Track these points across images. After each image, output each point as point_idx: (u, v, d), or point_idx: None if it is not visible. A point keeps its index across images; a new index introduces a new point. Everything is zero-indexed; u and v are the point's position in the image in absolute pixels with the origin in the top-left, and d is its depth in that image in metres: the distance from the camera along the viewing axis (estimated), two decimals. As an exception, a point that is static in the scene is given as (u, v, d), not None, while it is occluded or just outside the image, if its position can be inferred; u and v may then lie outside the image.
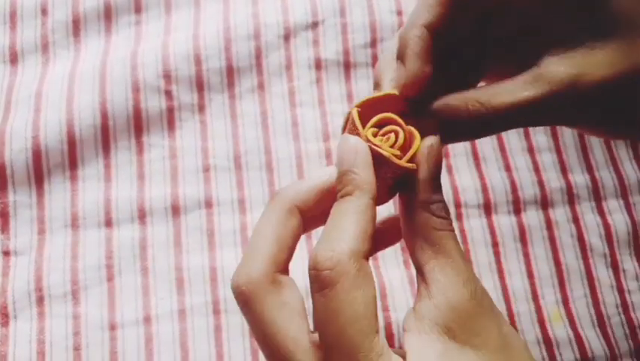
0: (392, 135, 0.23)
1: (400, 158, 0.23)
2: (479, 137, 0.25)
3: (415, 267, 0.23)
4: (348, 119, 0.24)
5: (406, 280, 0.39)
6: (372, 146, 0.22)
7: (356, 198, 0.22)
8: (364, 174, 0.22)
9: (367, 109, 0.23)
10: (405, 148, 0.23)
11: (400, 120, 0.23)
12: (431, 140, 0.23)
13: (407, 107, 0.24)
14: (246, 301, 0.22)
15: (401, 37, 0.25)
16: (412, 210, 0.23)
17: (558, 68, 0.23)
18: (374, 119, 0.23)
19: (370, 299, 0.21)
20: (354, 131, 0.23)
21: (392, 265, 0.39)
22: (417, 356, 0.21)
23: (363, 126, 0.23)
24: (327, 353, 0.21)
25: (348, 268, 0.21)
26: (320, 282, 0.21)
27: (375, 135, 0.23)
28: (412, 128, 0.24)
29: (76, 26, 0.43)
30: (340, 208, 0.22)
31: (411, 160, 0.23)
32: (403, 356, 0.22)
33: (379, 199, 0.23)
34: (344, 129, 0.24)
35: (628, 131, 0.26)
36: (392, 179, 0.23)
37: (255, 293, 0.22)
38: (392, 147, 0.23)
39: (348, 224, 0.22)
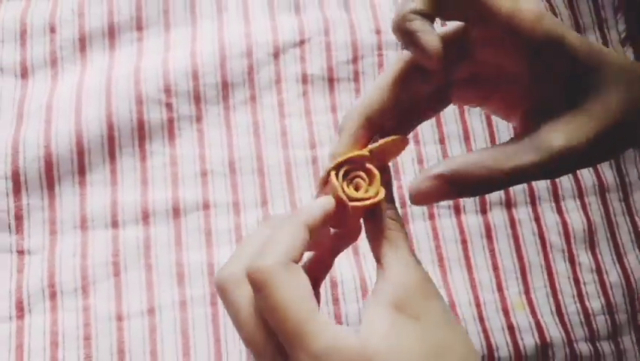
0: (359, 180, 0.27)
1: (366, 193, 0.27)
2: (483, 194, 0.28)
3: (375, 258, 0.27)
4: (326, 176, 0.27)
5: None
6: (341, 196, 0.26)
7: (291, 222, 0.25)
8: (307, 209, 0.26)
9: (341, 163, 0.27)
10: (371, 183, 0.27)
11: (365, 165, 0.27)
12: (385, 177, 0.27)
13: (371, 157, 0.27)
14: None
15: (345, 116, 0.27)
16: (374, 218, 0.27)
17: (557, 135, 0.25)
18: (341, 172, 0.26)
19: (302, 286, 0.23)
20: (327, 184, 0.27)
21: (372, 261, 0.41)
22: (369, 325, 0.24)
23: (337, 176, 0.26)
24: (283, 341, 0.23)
25: (276, 270, 0.23)
26: (256, 285, 0.23)
27: (348, 180, 0.26)
28: (372, 168, 0.27)
29: (83, 43, 0.45)
30: (280, 225, 0.25)
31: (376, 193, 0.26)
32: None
33: (355, 228, 0.27)
34: (322, 182, 0.27)
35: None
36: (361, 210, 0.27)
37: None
38: (358, 189, 0.26)
39: (281, 238, 0.24)
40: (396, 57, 0.27)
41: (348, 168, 0.27)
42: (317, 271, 0.29)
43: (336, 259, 0.29)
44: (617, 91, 0.26)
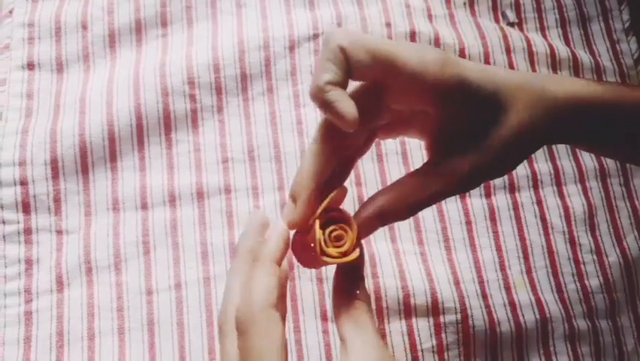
0: (341, 233, 0.29)
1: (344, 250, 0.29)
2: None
3: (339, 336, 0.28)
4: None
5: (392, 252, 0.43)
6: (322, 250, 0.28)
7: (263, 264, 0.28)
8: (272, 247, 0.28)
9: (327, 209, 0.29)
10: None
11: (344, 215, 0.29)
12: (355, 254, 0.28)
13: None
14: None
15: (294, 186, 0.29)
16: (340, 293, 0.29)
17: (463, 165, 0.29)
18: (319, 223, 0.29)
19: (275, 339, 0.26)
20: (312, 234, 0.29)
21: (380, 240, 0.43)
22: None
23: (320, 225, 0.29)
24: None
25: (258, 318, 0.26)
26: (239, 330, 0.26)
27: (330, 233, 0.29)
28: (351, 221, 0.29)
29: (112, 39, 0.48)
30: (253, 273, 0.27)
31: (352, 246, 0.29)
32: None
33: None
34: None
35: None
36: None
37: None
38: (341, 245, 0.29)
39: (258, 284, 0.27)
40: (317, 124, 0.30)
41: (328, 219, 0.29)
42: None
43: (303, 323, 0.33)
44: (515, 111, 0.29)
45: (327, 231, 0.29)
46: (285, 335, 0.27)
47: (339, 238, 0.29)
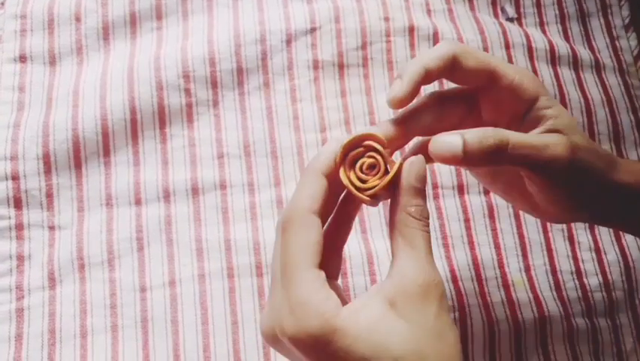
0: (373, 162, 0.29)
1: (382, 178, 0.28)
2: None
3: (391, 252, 0.28)
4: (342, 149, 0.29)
5: (390, 250, 0.43)
6: (343, 177, 0.28)
7: (309, 172, 0.29)
8: (321, 158, 0.29)
9: (355, 144, 0.29)
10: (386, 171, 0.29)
11: (380, 151, 0.29)
12: (412, 159, 0.28)
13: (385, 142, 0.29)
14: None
15: (405, 66, 0.31)
16: (395, 210, 0.28)
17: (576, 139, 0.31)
18: (353, 153, 0.29)
19: (308, 239, 0.27)
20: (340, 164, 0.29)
21: (378, 238, 0.43)
22: (354, 306, 0.26)
23: (346, 156, 0.29)
24: (279, 276, 0.27)
25: (295, 219, 0.27)
26: (281, 229, 0.28)
27: (361, 166, 0.29)
28: (385, 155, 0.29)
29: (106, 32, 0.47)
30: (300, 181, 0.29)
31: (392, 180, 0.28)
32: (345, 302, 0.27)
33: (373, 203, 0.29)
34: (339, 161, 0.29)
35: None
36: (371, 196, 0.29)
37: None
38: (375, 175, 0.28)
39: (302, 190, 0.28)
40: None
41: (362, 152, 0.29)
42: (336, 235, 0.31)
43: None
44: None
45: (359, 165, 0.29)
46: (321, 241, 0.27)
47: (372, 166, 0.29)
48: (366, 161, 0.28)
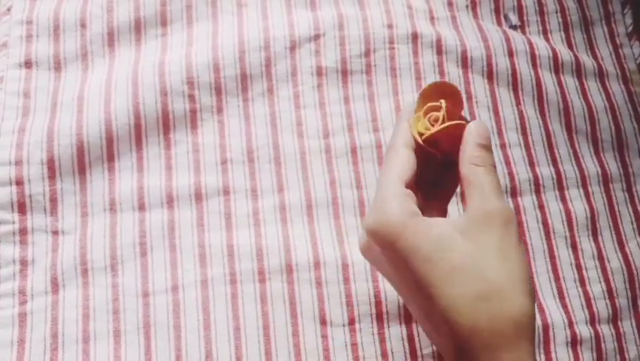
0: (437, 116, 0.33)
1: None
2: None
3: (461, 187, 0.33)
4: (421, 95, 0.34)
5: None
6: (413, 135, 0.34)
7: (394, 147, 0.33)
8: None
9: (433, 91, 0.34)
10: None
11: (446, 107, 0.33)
12: (475, 122, 0.33)
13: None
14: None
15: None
16: (462, 165, 0.32)
17: None
18: (426, 107, 0.34)
19: (400, 162, 0.32)
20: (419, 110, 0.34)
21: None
22: (429, 222, 0.30)
23: (423, 104, 0.34)
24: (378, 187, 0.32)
25: (391, 148, 0.33)
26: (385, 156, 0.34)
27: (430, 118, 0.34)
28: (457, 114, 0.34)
29: (111, 38, 0.47)
30: (396, 129, 0.34)
31: (446, 131, 0.33)
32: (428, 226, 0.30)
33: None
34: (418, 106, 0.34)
35: None
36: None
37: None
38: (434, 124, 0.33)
39: (401, 133, 0.33)
40: None
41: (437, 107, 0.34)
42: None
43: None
44: None
45: (427, 119, 0.34)
46: (411, 164, 0.32)
47: (436, 119, 0.33)
48: (434, 114, 0.33)
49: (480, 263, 0.29)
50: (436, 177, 0.36)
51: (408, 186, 0.32)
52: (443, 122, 0.33)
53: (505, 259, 0.29)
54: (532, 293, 0.30)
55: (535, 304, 0.41)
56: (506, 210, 0.30)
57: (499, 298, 0.29)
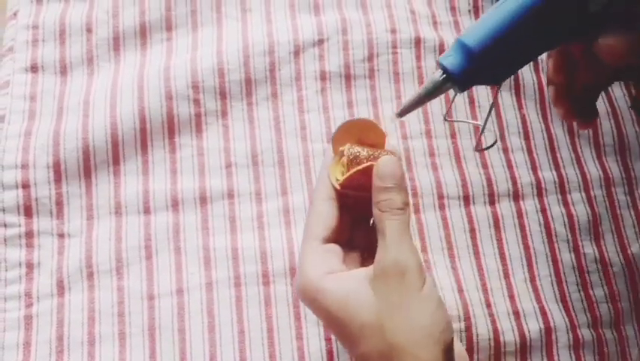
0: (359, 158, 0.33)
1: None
2: None
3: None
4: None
5: None
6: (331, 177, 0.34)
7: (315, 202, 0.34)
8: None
9: (345, 131, 0.34)
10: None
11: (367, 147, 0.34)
12: (382, 160, 0.32)
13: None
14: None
15: None
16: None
17: None
18: (339, 152, 0.34)
19: (322, 216, 0.33)
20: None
21: None
22: (341, 278, 0.31)
23: (336, 149, 0.34)
24: None
25: (313, 202, 0.34)
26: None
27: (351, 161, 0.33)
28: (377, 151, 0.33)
29: (117, 43, 0.48)
30: (317, 179, 0.35)
31: (354, 176, 0.32)
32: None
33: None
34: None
35: None
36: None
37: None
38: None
39: (320, 183, 0.34)
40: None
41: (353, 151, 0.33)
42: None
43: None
44: None
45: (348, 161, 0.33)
46: (332, 218, 0.33)
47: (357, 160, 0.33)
48: (353, 154, 0.33)
49: (383, 322, 0.30)
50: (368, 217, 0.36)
51: (330, 238, 0.33)
52: (348, 169, 0.33)
53: (407, 315, 0.30)
54: (442, 338, 0.30)
55: (536, 309, 0.42)
56: (401, 261, 0.30)
57: (401, 358, 0.29)
